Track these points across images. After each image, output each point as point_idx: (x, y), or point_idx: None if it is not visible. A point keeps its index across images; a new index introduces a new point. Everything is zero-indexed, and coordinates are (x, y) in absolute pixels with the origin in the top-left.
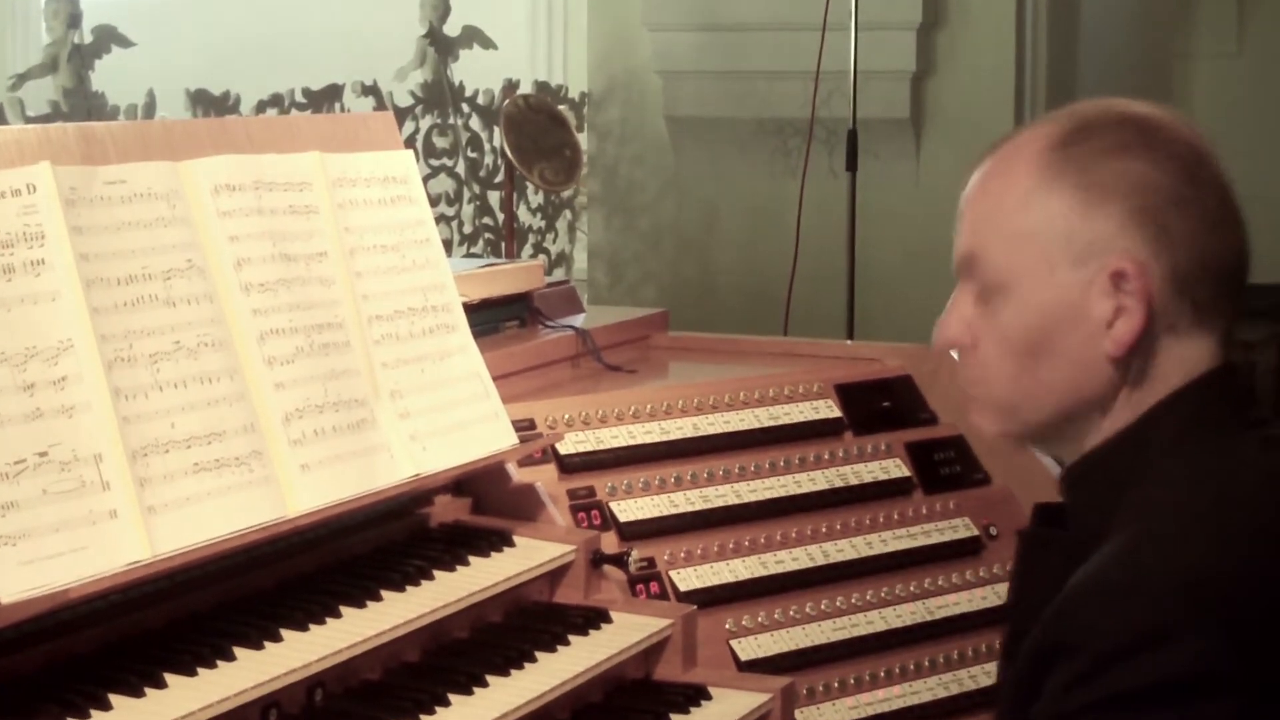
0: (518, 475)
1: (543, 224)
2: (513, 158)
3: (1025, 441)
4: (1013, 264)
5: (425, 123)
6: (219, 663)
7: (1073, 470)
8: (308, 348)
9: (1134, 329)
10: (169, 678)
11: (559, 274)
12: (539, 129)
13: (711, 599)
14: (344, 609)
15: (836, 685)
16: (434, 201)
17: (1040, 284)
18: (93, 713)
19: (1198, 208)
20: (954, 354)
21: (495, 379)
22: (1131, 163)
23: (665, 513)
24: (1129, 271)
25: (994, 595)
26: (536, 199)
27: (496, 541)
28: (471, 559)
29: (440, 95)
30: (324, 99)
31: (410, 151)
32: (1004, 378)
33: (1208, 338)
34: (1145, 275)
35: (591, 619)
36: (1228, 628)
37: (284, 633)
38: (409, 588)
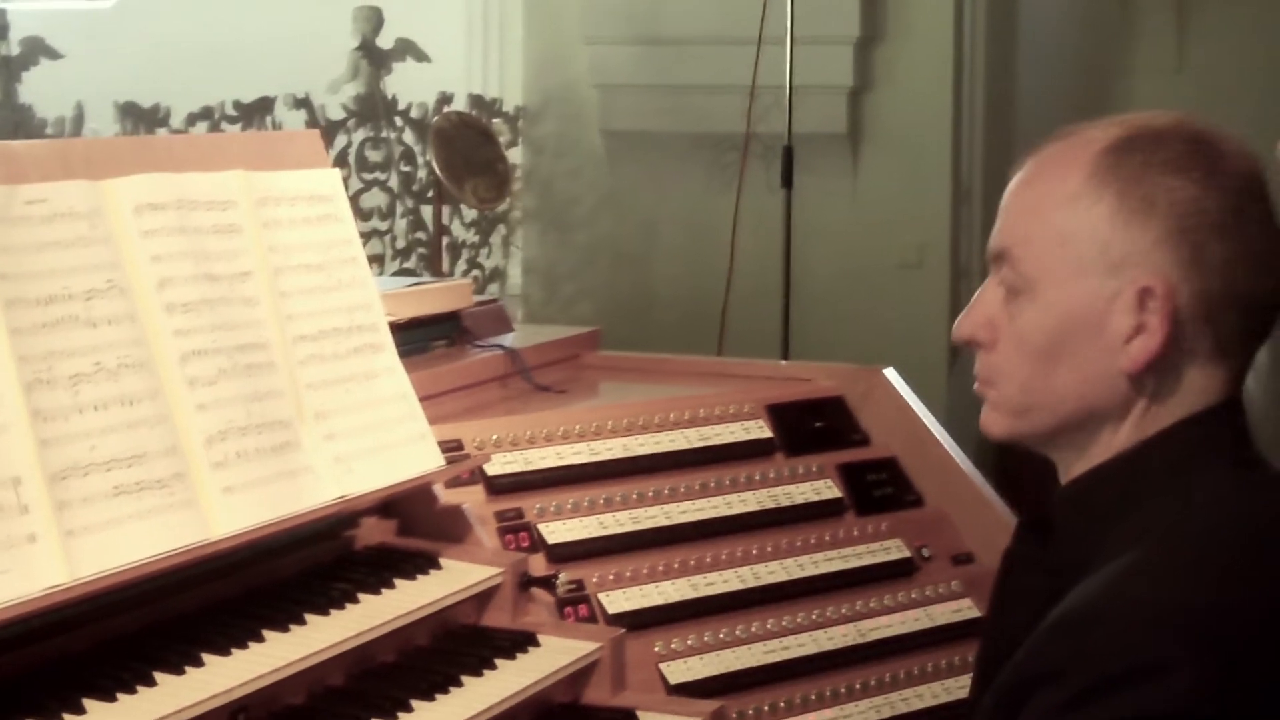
0: (445, 497)
1: (477, 239)
2: (442, 175)
3: (1031, 445)
4: (1044, 264)
5: (358, 136)
6: (140, 688)
7: (1067, 490)
8: (231, 369)
9: (1151, 349)
10: (88, 704)
11: (494, 290)
12: (470, 145)
13: (641, 621)
14: (267, 633)
15: (767, 709)
16: (367, 216)
17: (1068, 288)
18: None
19: (1239, 238)
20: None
21: (423, 399)
22: (1181, 181)
23: (594, 534)
24: (1157, 290)
25: (926, 618)
26: (471, 213)
27: (423, 564)
28: (397, 582)
29: (373, 108)
30: (255, 111)
31: (337, 170)
32: (1018, 380)
33: (1224, 369)
34: (1172, 297)
35: (519, 642)
36: (1217, 666)
37: (206, 657)
38: (333, 611)
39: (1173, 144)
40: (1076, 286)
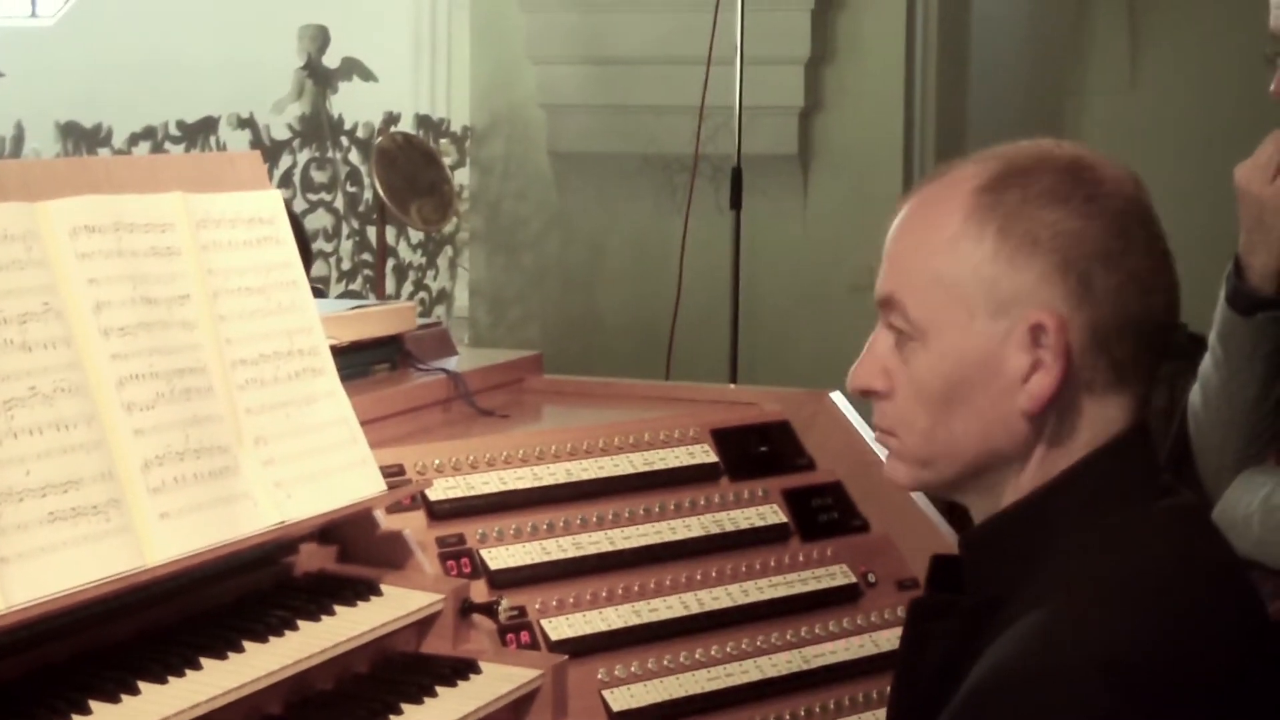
0: (386, 522)
1: (424, 260)
2: (385, 196)
3: (939, 493)
4: (932, 310)
5: (303, 156)
6: (74, 716)
7: (976, 534)
8: (169, 393)
9: (1050, 385)
10: None
11: (440, 312)
12: (414, 166)
13: (583, 648)
14: (204, 660)
15: None
16: (312, 237)
17: (958, 332)
18: None
19: (1125, 264)
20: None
21: (364, 423)
22: (1061, 213)
23: (537, 560)
24: (1048, 325)
25: (872, 644)
26: (418, 235)
27: (363, 590)
28: (337, 608)
29: (319, 128)
30: (198, 131)
31: (278, 192)
32: (917, 429)
33: (1126, 397)
34: (1064, 330)
35: (460, 670)
36: (1151, 711)
37: (142, 685)
38: (271, 638)
39: (1048, 174)
40: (967, 330)
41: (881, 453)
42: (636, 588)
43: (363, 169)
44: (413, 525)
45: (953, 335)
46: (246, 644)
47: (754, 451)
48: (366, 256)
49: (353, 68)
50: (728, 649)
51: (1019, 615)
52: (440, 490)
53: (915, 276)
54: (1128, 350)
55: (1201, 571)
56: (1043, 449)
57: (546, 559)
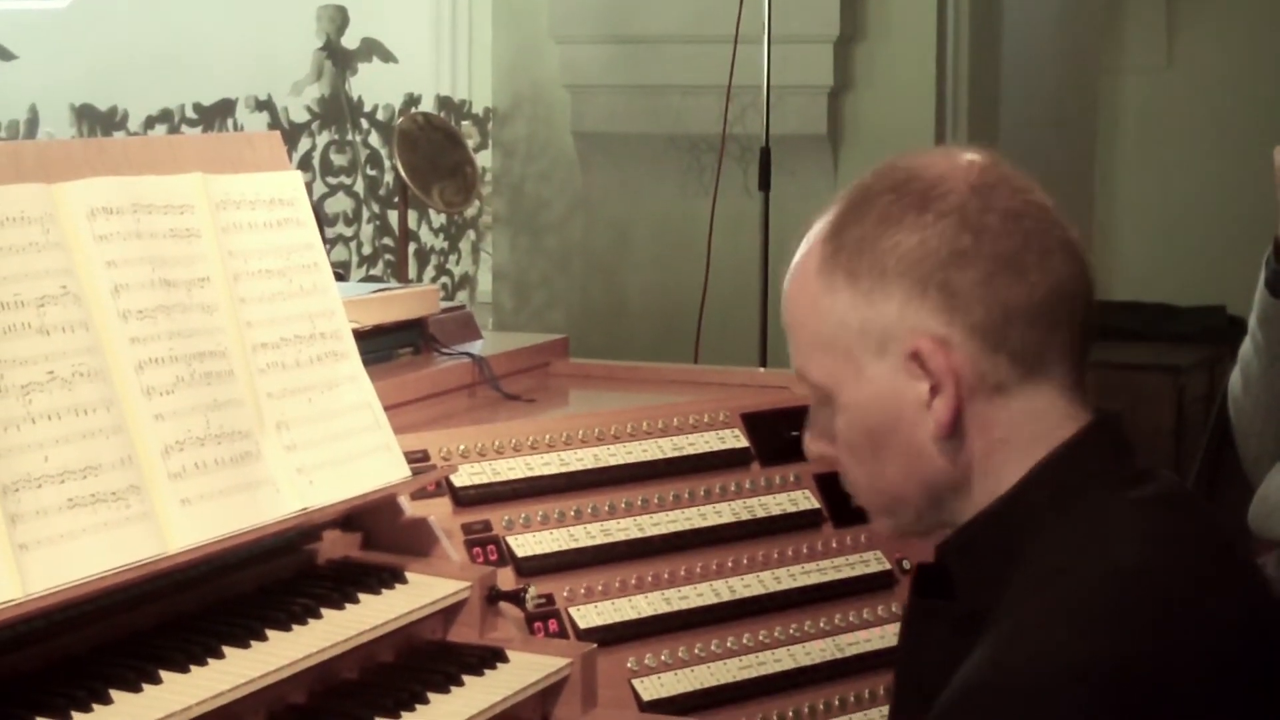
0: (410, 509)
1: (445, 245)
2: (407, 178)
3: (924, 536)
4: (828, 372)
5: (322, 139)
6: (94, 706)
7: (953, 541)
8: (189, 377)
9: (950, 404)
10: None
11: (463, 297)
12: (436, 148)
13: (612, 637)
14: (227, 649)
15: None
16: (332, 221)
17: (855, 384)
18: None
19: (982, 256)
20: None
21: (388, 409)
22: (898, 234)
23: (564, 547)
24: (923, 349)
25: None
26: (439, 218)
27: (387, 578)
28: (361, 596)
29: (338, 110)
30: (215, 114)
31: (298, 172)
32: (863, 484)
33: (1048, 384)
34: (944, 347)
35: (486, 658)
36: (1132, 713)
37: (163, 674)
38: (295, 627)
39: (878, 200)
40: (861, 379)
41: None
42: (666, 575)
43: (383, 152)
44: (438, 512)
45: (852, 389)
46: (270, 632)
47: (785, 436)
48: (387, 241)
49: (372, 49)
50: (760, 637)
51: (998, 621)
52: (465, 476)
53: (804, 346)
54: (1027, 337)
55: (1180, 560)
56: (980, 466)
57: (574, 546)
